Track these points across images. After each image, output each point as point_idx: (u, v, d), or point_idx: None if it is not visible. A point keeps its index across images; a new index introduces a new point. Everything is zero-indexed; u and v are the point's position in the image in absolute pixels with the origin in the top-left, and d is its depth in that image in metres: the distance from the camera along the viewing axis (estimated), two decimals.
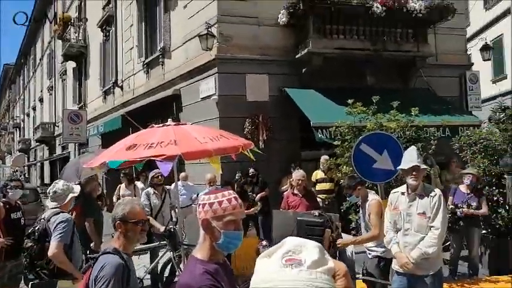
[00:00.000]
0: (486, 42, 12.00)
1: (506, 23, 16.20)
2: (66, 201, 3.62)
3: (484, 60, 12.00)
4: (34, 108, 34.97)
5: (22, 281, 4.16)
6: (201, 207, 1.64)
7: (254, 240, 5.26)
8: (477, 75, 10.87)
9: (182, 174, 7.66)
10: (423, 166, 3.54)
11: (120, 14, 14.69)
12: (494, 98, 14.93)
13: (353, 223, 6.11)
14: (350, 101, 6.28)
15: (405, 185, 3.62)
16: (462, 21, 10.94)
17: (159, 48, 11.44)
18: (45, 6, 28.25)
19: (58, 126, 25.33)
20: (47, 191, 3.71)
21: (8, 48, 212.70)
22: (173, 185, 7.55)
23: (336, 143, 6.18)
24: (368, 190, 4.41)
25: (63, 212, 3.51)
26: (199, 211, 1.65)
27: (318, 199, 6.54)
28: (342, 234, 4.23)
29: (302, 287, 0.72)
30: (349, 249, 4.29)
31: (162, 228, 5.36)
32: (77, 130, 10.89)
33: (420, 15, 8.89)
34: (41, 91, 31.48)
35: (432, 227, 3.41)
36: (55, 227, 3.34)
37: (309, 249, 0.79)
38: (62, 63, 23.49)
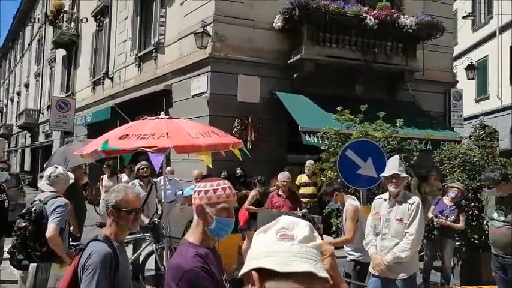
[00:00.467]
0: (471, 62, 12.42)
1: (492, 45, 16.76)
2: (62, 187, 3.68)
3: (469, 79, 12.42)
4: (19, 94, 34.28)
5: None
6: (197, 193, 1.74)
7: (237, 238, 5.35)
8: (461, 93, 11.23)
9: (168, 168, 7.69)
10: (403, 175, 3.70)
11: (116, 5, 14.63)
12: (476, 116, 15.44)
13: (334, 227, 6.27)
14: (339, 108, 6.45)
15: (388, 192, 3.78)
16: (450, 40, 11.30)
17: (153, 42, 11.46)
18: None
19: (43, 114, 24.92)
20: (46, 175, 3.74)
21: None
22: (159, 178, 7.59)
23: (322, 147, 6.34)
24: (347, 195, 4.54)
25: (60, 197, 3.55)
26: (194, 197, 1.75)
27: None
28: (323, 235, 4.37)
29: (293, 257, 0.83)
30: None
31: (146, 221, 5.39)
32: (64, 118, 10.77)
33: (411, 31, 9.17)
34: (27, 77, 30.90)
35: (407, 233, 3.56)
36: (53, 210, 3.39)
37: (301, 227, 0.89)
38: (51, 50, 23.14)
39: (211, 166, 4.84)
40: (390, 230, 3.66)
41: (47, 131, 21.84)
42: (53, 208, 3.41)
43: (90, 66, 16.86)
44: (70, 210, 5.34)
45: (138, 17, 12.63)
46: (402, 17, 9.20)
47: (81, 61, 18.58)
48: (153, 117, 4.26)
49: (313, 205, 7.85)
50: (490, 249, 4.44)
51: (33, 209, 3.47)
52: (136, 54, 12.42)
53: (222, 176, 7.99)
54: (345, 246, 4.37)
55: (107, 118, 11.97)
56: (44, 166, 8.11)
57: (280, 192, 5.60)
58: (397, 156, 4.02)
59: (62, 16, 19.51)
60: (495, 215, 4.35)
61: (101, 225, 4.70)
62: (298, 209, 6.53)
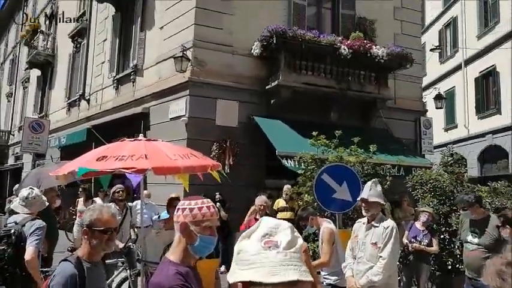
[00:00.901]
0: (439, 92, 13.05)
1: (458, 76, 17.68)
2: (37, 209, 3.61)
3: (437, 108, 13.02)
4: None
5: None
6: (181, 211, 1.76)
7: (215, 263, 5.28)
8: (430, 121, 11.72)
9: (145, 192, 7.59)
10: (374, 199, 3.75)
11: (94, 27, 14.65)
12: (445, 145, 16.07)
13: (311, 251, 6.29)
14: (314, 133, 6.61)
15: None
16: (419, 70, 11.89)
17: (131, 65, 11.49)
18: (13, 9, 27.50)
19: (14, 135, 24.16)
20: (21, 196, 3.65)
21: None
22: (135, 202, 7.46)
23: (300, 171, 6.44)
24: (323, 219, 4.57)
25: (37, 219, 3.48)
26: (177, 215, 1.77)
27: None
28: None
29: (279, 266, 0.88)
30: None
31: (121, 245, 5.27)
32: (37, 140, 10.49)
33: (382, 61, 9.62)
34: None
35: (380, 256, 3.64)
36: (32, 232, 3.31)
37: (283, 230, 0.94)
38: (25, 70, 22.73)
39: (187, 190, 4.83)
40: (365, 253, 3.73)
41: (17, 153, 21.13)
42: (31, 230, 3.33)
43: (66, 87, 16.62)
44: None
45: (117, 40, 12.67)
46: (374, 47, 9.65)
47: (56, 82, 18.30)
48: (132, 139, 4.25)
49: None
50: (463, 273, 4.55)
51: (12, 231, 3.36)
52: (114, 77, 12.39)
53: None
54: (321, 271, 4.39)
55: (83, 140, 11.76)
56: (14, 189, 7.84)
57: (258, 217, 5.62)
58: (372, 181, 4.10)
59: (38, 36, 19.32)
60: (469, 238, 4.50)
61: (73, 251, 4.57)
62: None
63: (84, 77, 14.80)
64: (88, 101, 14.33)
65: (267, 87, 9.27)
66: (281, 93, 9.05)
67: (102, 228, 2.18)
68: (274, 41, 8.83)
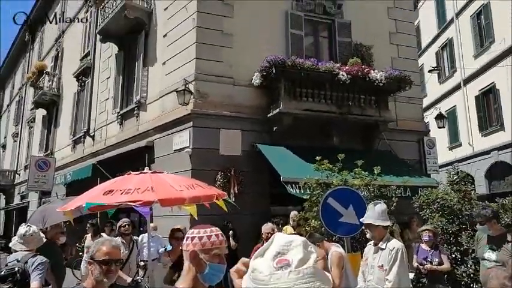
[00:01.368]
0: (440, 112, 13.14)
1: (459, 95, 17.83)
2: (35, 245, 3.63)
3: (439, 127, 13.08)
4: None
5: None
6: (190, 240, 1.78)
7: None
8: (433, 141, 11.73)
9: (151, 225, 7.58)
10: (377, 222, 3.73)
11: (98, 66, 15.05)
12: (450, 163, 15.98)
13: None
14: (318, 158, 6.64)
15: None
16: (418, 92, 12.02)
17: (135, 100, 11.72)
18: (20, 52, 28.38)
19: (19, 174, 24.33)
20: (19, 234, 3.70)
21: None
22: (141, 235, 7.44)
23: (305, 197, 6.43)
24: (331, 243, 4.54)
25: (39, 255, 3.51)
26: (187, 243, 1.79)
27: None
28: None
29: (292, 286, 0.88)
30: None
31: (128, 279, 5.23)
32: (43, 178, 10.59)
33: (381, 85, 9.76)
34: (5, 137, 30.51)
35: (387, 279, 3.58)
36: (35, 268, 3.35)
37: (295, 248, 0.94)
38: (31, 110, 23.19)
39: (196, 218, 4.84)
40: (374, 276, 3.70)
41: (23, 192, 21.21)
42: (34, 266, 3.37)
43: (70, 125, 16.89)
44: (48, 270, 5.19)
45: (121, 77, 12.99)
46: (372, 71, 9.82)
47: (61, 120, 18.62)
48: (138, 172, 4.31)
49: None
50: None
51: (16, 269, 3.38)
52: (118, 112, 12.61)
53: None
54: None
55: (88, 176, 11.84)
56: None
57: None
58: (375, 204, 4.06)
59: (44, 77, 19.84)
60: (486, 255, 4.41)
61: None
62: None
63: (89, 113, 15.07)
64: (93, 137, 14.53)
65: (268, 115, 9.39)
66: (283, 120, 9.16)
67: (102, 259, 2.21)
68: (274, 71, 9.02)
